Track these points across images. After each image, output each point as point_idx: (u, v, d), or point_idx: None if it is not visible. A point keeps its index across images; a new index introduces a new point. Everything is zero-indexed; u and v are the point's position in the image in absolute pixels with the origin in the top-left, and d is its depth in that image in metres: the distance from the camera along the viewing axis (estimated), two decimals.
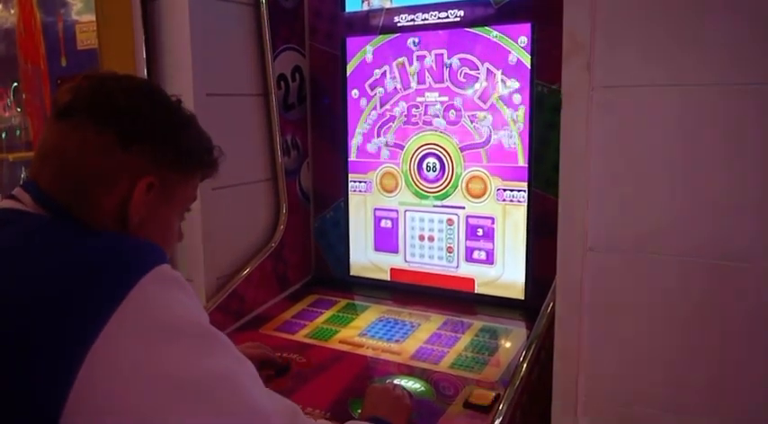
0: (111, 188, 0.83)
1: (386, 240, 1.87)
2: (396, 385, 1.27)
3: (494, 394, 1.26)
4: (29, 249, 0.77)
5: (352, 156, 1.88)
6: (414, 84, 1.74)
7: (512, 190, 1.64)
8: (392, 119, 1.79)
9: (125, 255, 0.76)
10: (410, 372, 1.40)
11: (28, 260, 0.75)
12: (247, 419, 0.78)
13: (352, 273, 1.94)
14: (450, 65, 1.67)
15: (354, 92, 1.84)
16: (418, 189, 1.79)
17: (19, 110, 2.27)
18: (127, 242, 0.81)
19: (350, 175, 1.90)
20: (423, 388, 1.33)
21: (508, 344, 1.52)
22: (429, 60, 1.70)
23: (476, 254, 1.73)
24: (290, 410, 0.87)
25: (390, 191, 1.84)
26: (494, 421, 1.13)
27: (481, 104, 1.65)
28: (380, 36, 1.77)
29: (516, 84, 1.59)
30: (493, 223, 1.69)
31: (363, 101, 1.83)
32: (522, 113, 1.60)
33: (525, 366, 1.24)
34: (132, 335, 0.70)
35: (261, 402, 0.81)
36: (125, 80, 0.88)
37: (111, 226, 0.84)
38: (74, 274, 0.72)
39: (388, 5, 1.76)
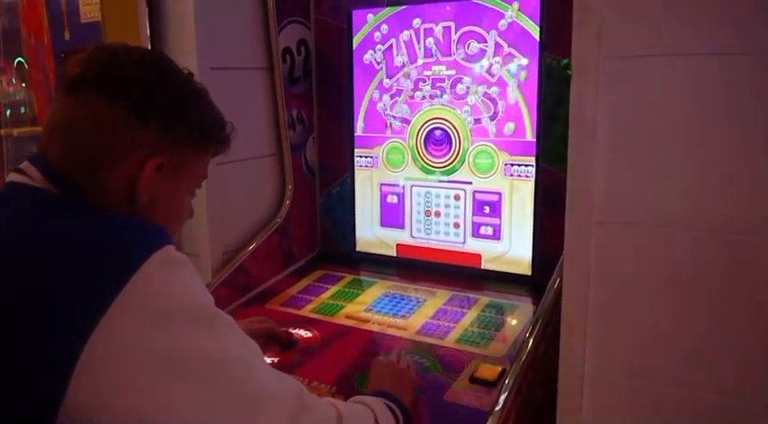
0: (121, 163, 0.82)
1: (392, 215, 1.86)
2: (401, 356, 1.27)
3: (500, 369, 1.26)
4: (32, 227, 0.76)
5: (358, 131, 1.86)
6: (421, 58, 1.72)
7: (519, 165, 1.63)
8: (398, 93, 1.77)
9: (129, 237, 0.75)
10: (416, 347, 1.40)
11: (31, 239, 0.74)
12: (252, 401, 0.77)
13: (358, 249, 1.93)
14: (458, 37, 1.65)
15: (360, 65, 1.82)
16: (425, 164, 1.77)
17: (23, 85, 2.27)
18: (131, 223, 0.80)
19: (356, 150, 1.88)
20: (429, 363, 1.33)
21: (514, 320, 1.52)
22: (436, 33, 1.68)
23: (482, 230, 1.72)
24: (296, 390, 0.86)
25: (397, 166, 1.82)
26: (500, 396, 1.13)
27: (489, 78, 1.62)
28: (387, 8, 1.74)
29: (525, 57, 1.57)
30: (500, 198, 1.67)
31: (369, 76, 1.81)
32: (530, 86, 1.57)
33: (531, 341, 1.23)
34: (136, 318, 0.69)
35: (265, 384, 0.81)
36: (135, 51, 0.87)
37: (120, 203, 0.83)
38: (77, 256, 0.71)
39: None
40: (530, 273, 1.66)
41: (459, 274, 1.74)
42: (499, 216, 1.68)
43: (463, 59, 1.65)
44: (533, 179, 1.61)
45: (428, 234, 1.81)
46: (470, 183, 1.71)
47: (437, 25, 1.67)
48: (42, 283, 0.69)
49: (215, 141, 0.93)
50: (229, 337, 0.79)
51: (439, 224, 1.78)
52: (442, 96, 1.70)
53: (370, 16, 1.77)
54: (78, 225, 0.76)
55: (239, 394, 0.76)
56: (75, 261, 0.70)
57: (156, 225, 0.80)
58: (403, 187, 1.82)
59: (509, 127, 1.62)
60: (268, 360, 1.33)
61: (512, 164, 1.64)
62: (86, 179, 0.81)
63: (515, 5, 1.55)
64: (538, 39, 1.54)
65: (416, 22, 1.70)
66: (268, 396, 0.80)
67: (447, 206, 1.76)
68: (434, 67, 1.70)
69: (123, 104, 0.80)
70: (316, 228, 2.00)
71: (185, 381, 0.71)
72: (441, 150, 1.74)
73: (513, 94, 1.60)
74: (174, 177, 0.87)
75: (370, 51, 1.79)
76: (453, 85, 1.68)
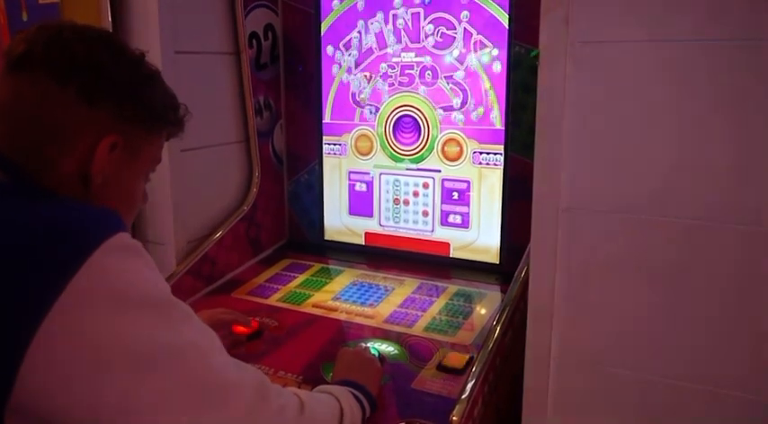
0: (71, 146, 0.78)
1: (360, 203, 1.84)
2: (366, 348, 1.26)
3: (467, 357, 1.26)
4: None
5: (327, 118, 1.84)
6: (390, 44, 1.70)
7: (488, 153, 1.62)
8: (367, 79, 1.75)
9: (79, 224, 0.71)
10: (384, 335, 1.39)
11: None
12: (210, 391, 0.75)
13: (326, 237, 1.92)
14: (427, 24, 1.63)
15: (329, 51, 1.79)
16: (393, 152, 1.76)
17: None
18: (82, 208, 0.76)
19: (324, 137, 1.86)
20: (396, 351, 1.32)
21: (482, 308, 1.52)
22: (406, 19, 1.66)
23: (451, 218, 1.71)
24: (257, 379, 0.84)
25: (365, 154, 1.81)
26: (467, 384, 1.13)
27: (458, 65, 1.61)
28: None
29: (494, 45, 1.56)
30: (468, 186, 1.67)
31: (337, 62, 1.79)
32: (499, 75, 1.57)
33: (499, 329, 1.24)
34: (87, 307, 0.66)
35: (224, 374, 0.78)
36: (84, 30, 0.83)
37: (72, 188, 0.79)
38: (24, 243, 0.67)
39: None
40: (498, 261, 1.66)
41: (428, 262, 1.74)
42: (468, 204, 1.68)
43: (432, 47, 1.64)
44: (502, 167, 1.61)
45: (397, 222, 1.80)
46: (439, 171, 1.70)
47: (407, 12, 1.66)
48: None
49: (168, 123, 0.90)
50: (186, 326, 0.76)
51: (408, 212, 1.78)
52: (410, 83, 1.69)
53: (337, 1, 1.75)
54: (25, 210, 0.72)
55: (196, 384, 0.74)
56: (22, 249, 0.67)
57: (109, 211, 0.76)
58: (372, 175, 1.81)
59: (478, 115, 1.61)
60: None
61: (480, 153, 1.63)
62: (34, 162, 0.77)
63: None
64: (507, 28, 1.54)
65: (386, 7, 1.68)
66: (227, 386, 0.78)
67: (416, 194, 1.75)
68: (403, 54, 1.69)
69: (72, 84, 0.77)
70: (283, 216, 1.98)
71: (139, 369, 0.69)
72: (409, 138, 1.72)
73: (483, 82, 1.59)
74: (128, 159, 0.84)
75: (339, 37, 1.77)
76: (422, 73, 1.67)
